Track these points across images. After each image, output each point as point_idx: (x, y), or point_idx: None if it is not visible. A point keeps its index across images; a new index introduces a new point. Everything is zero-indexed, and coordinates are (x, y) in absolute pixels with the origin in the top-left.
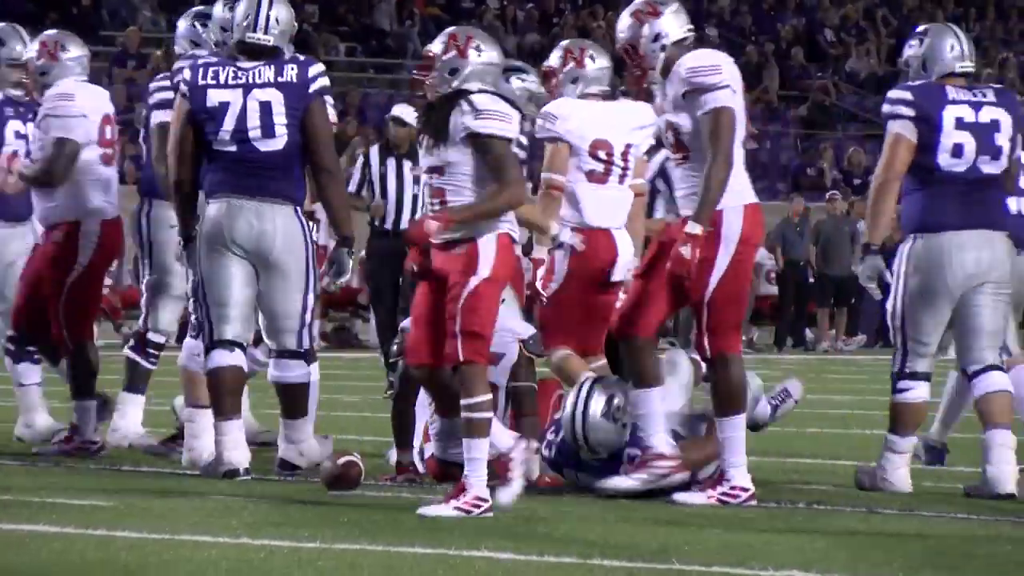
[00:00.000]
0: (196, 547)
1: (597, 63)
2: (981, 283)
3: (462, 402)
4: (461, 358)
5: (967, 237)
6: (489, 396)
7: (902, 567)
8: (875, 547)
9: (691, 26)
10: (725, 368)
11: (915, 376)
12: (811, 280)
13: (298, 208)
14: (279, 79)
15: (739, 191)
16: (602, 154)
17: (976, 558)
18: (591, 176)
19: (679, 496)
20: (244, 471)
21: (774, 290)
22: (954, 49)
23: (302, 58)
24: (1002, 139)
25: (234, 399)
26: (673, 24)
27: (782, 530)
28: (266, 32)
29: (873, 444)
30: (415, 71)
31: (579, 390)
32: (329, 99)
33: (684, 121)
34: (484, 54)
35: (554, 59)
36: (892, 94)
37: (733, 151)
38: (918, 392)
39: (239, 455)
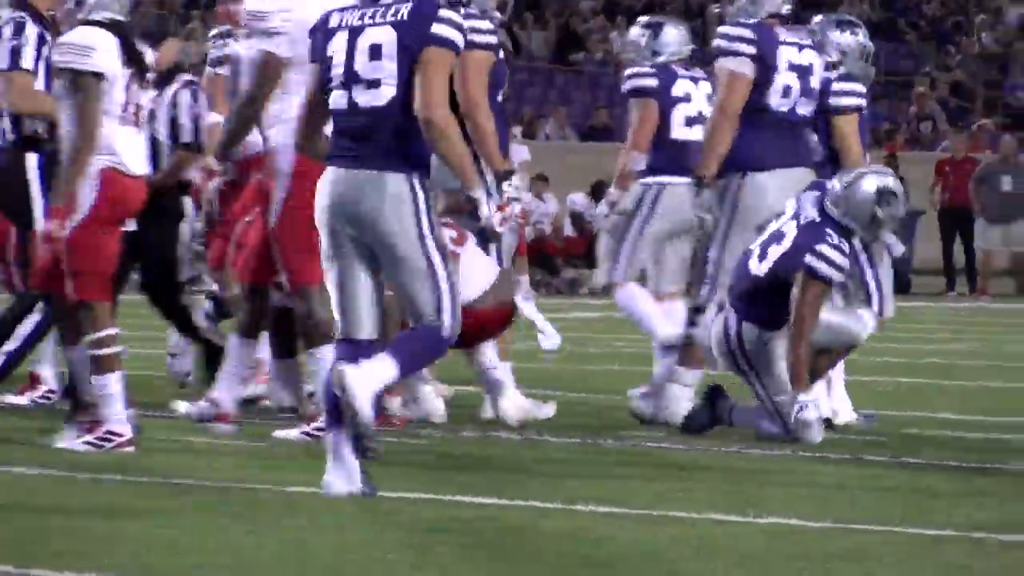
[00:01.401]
0: (226, 490)
1: None
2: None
3: (88, 339)
4: (76, 297)
5: (790, 176)
6: (115, 331)
7: (898, 514)
8: (870, 495)
9: None
10: (307, 301)
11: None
12: None
13: None
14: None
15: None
16: None
17: (968, 504)
18: None
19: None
20: None
21: None
22: None
23: None
24: (815, 81)
25: None
26: None
27: (777, 480)
28: None
29: (869, 393)
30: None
31: None
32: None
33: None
34: None
35: None
36: (729, 30)
37: (262, 95)
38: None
39: None
